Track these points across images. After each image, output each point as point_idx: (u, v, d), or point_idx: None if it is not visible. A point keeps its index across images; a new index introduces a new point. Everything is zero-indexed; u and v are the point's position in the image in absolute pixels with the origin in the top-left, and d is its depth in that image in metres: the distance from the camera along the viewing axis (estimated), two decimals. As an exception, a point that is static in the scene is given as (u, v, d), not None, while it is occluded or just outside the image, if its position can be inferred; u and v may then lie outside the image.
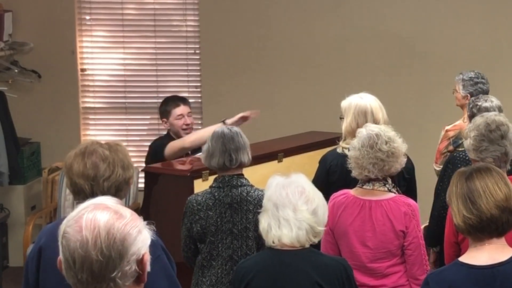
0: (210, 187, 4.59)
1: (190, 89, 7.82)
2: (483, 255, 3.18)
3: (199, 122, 7.51)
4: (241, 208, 4.52)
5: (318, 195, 3.62)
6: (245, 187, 4.54)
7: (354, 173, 4.28)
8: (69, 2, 7.73)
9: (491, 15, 7.56)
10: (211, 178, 4.76)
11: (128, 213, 2.21)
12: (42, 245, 3.26)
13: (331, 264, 3.61)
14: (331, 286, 3.56)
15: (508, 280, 3.15)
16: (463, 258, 3.23)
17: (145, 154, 6.18)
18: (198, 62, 7.80)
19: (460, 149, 5.33)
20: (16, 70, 7.61)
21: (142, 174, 5.75)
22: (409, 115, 7.46)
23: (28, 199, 7.60)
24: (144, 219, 2.24)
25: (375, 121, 4.78)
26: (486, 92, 5.74)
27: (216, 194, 4.52)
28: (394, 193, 4.29)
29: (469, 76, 5.85)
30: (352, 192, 4.33)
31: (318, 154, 5.27)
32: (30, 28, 7.70)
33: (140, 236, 2.19)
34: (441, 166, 5.41)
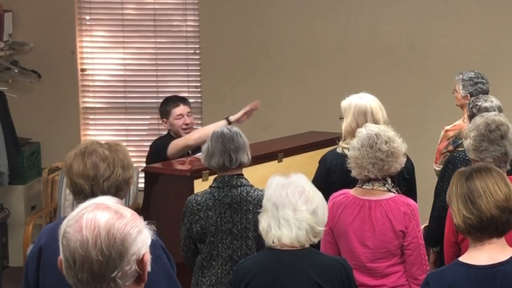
0: (210, 187, 4.59)
1: (190, 89, 7.82)
2: (483, 255, 3.18)
3: (199, 122, 7.51)
4: (241, 208, 4.52)
5: (318, 195, 3.62)
6: (244, 187, 4.54)
7: (354, 173, 4.28)
8: (69, 2, 7.73)
9: (491, 15, 7.56)
10: (211, 178, 4.76)
11: (128, 213, 2.21)
12: (42, 245, 3.26)
13: (331, 264, 3.61)
14: (331, 286, 3.56)
15: (508, 280, 3.15)
16: (463, 258, 3.23)
17: (145, 154, 6.19)
18: (198, 62, 7.80)
19: (459, 149, 5.33)
20: (16, 70, 7.62)
21: (142, 174, 5.75)
22: (409, 115, 7.46)
23: (28, 199, 7.60)
24: (144, 219, 2.24)
25: (375, 121, 4.78)
26: (486, 92, 5.74)
27: (216, 194, 4.52)
28: (394, 193, 4.29)
29: (469, 76, 5.85)
30: (351, 192, 4.33)
31: (318, 154, 5.27)
32: (30, 28, 7.70)
33: (141, 236, 2.19)
34: (441, 166, 5.41)
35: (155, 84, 7.84)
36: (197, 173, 5.17)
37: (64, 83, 7.76)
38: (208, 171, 5.07)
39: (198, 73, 7.81)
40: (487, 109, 5.11)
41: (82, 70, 7.84)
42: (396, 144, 4.25)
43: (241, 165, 4.58)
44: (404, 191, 4.61)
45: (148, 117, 7.84)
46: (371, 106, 4.88)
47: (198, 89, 7.82)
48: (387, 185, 4.28)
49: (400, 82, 7.61)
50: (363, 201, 4.26)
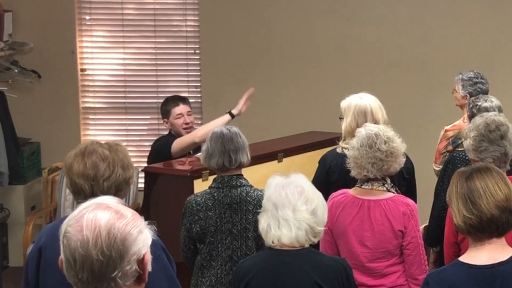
0: (209, 187, 4.59)
1: (190, 89, 7.82)
2: (483, 255, 3.18)
3: (199, 122, 7.51)
4: (240, 208, 4.52)
5: (317, 195, 3.62)
6: (244, 188, 4.54)
7: (353, 173, 4.28)
8: (69, 2, 7.73)
9: (491, 15, 7.56)
10: (211, 178, 4.76)
11: (129, 213, 2.21)
12: (42, 245, 3.26)
13: (331, 264, 3.61)
14: (331, 286, 3.56)
15: (508, 280, 3.15)
16: (463, 258, 3.23)
17: (145, 154, 6.19)
18: (198, 62, 7.80)
19: (459, 149, 5.33)
20: (16, 70, 7.62)
21: (142, 174, 5.75)
22: (409, 115, 7.46)
23: (28, 199, 7.60)
24: (144, 219, 2.25)
25: (375, 121, 4.78)
26: (485, 92, 5.74)
27: (215, 194, 4.52)
28: (393, 192, 4.29)
29: (469, 76, 5.85)
30: (351, 191, 4.33)
31: (318, 154, 5.27)
32: (30, 28, 7.70)
33: (141, 236, 2.19)
34: (440, 166, 5.42)
35: (155, 84, 7.85)
36: (197, 173, 5.17)
37: (64, 83, 7.76)
38: (208, 171, 5.07)
39: (198, 73, 7.82)
40: (487, 109, 5.11)
41: (82, 70, 7.84)
42: (395, 144, 4.25)
43: (241, 166, 4.58)
44: (404, 191, 4.61)
45: (148, 117, 7.85)
46: (371, 106, 4.88)
47: (198, 89, 7.82)
48: (386, 185, 4.28)
49: (400, 82, 7.61)
50: (362, 201, 4.26)
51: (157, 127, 7.70)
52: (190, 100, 6.38)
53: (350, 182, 4.43)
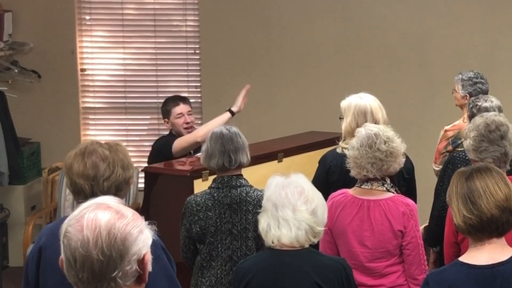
0: (209, 187, 4.58)
1: (190, 89, 7.82)
2: (483, 255, 3.18)
3: (199, 122, 7.51)
4: (240, 208, 4.52)
5: (317, 195, 3.62)
6: (244, 188, 4.54)
7: (353, 173, 4.28)
8: (69, 2, 7.73)
9: (491, 15, 7.56)
10: (211, 178, 4.76)
11: (129, 213, 2.21)
12: (42, 245, 3.26)
13: (331, 264, 3.61)
14: (331, 286, 3.56)
15: (508, 280, 3.16)
16: (463, 258, 3.23)
17: (145, 154, 6.20)
18: (198, 62, 7.80)
19: (459, 149, 5.33)
20: (16, 70, 7.62)
21: (142, 174, 5.75)
22: (409, 115, 7.46)
23: (28, 199, 7.60)
24: (144, 219, 2.25)
25: (375, 121, 4.78)
26: (485, 92, 5.74)
27: (215, 194, 4.52)
28: (393, 192, 4.29)
29: (468, 76, 5.85)
30: (350, 191, 4.33)
31: (318, 154, 5.27)
32: (30, 28, 7.70)
33: (141, 236, 2.19)
34: (440, 166, 5.41)
35: (155, 84, 7.85)
36: (197, 173, 5.17)
37: (64, 83, 7.76)
38: (208, 171, 5.07)
39: (198, 73, 7.82)
40: (487, 109, 5.11)
41: (82, 70, 7.84)
42: (395, 144, 4.25)
43: (241, 166, 4.58)
44: (404, 191, 4.61)
45: (148, 117, 7.85)
46: (371, 106, 4.89)
47: (198, 89, 7.82)
48: (386, 185, 4.28)
49: (400, 82, 7.61)
50: (362, 201, 4.26)
51: (157, 127, 7.70)
52: (190, 100, 6.38)
53: (350, 182, 4.43)
